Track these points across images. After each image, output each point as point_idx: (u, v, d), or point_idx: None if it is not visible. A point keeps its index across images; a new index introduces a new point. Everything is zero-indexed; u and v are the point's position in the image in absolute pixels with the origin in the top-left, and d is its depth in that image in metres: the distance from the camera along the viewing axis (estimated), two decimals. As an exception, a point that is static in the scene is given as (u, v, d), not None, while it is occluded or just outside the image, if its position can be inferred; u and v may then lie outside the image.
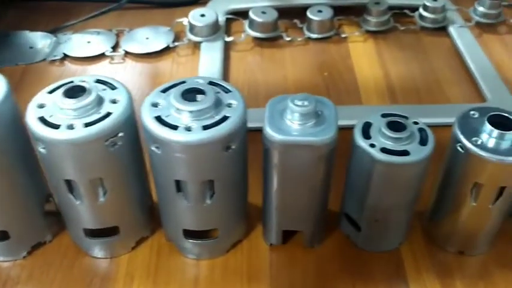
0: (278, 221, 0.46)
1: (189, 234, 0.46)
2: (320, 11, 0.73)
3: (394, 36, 0.75)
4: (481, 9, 0.75)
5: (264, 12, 0.72)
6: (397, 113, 0.44)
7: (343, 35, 0.74)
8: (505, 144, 0.41)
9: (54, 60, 0.71)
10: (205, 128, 0.38)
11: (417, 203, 0.49)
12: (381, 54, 0.71)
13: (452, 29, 0.74)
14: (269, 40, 0.73)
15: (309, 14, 0.73)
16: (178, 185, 0.42)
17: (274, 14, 0.72)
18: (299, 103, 0.40)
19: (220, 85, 0.42)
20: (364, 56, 0.71)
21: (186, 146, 0.38)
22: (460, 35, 0.73)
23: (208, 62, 0.68)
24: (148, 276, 0.46)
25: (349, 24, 0.77)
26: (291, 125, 0.40)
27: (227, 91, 0.42)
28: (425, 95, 0.65)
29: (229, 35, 0.73)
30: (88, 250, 0.48)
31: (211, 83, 0.42)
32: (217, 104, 0.40)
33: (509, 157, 0.40)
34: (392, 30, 0.75)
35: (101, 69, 0.70)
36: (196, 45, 0.72)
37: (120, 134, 0.40)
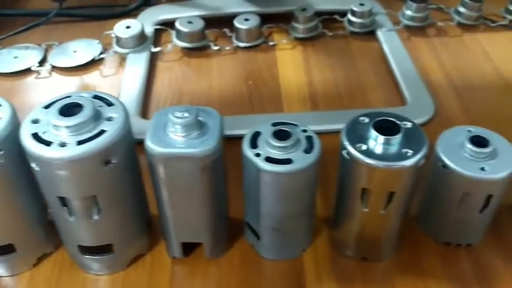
0: (175, 234, 0.46)
1: (85, 249, 0.45)
2: (247, 20, 0.73)
3: (323, 42, 0.75)
4: (408, 12, 0.76)
5: (190, 22, 0.72)
6: (288, 121, 0.44)
7: (271, 43, 0.74)
8: (392, 149, 0.41)
9: (-21, 77, 0.70)
10: (80, 143, 0.38)
11: (326, 208, 0.50)
12: (307, 61, 0.71)
13: (380, 33, 0.74)
14: (197, 50, 0.73)
15: (236, 22, 0.73)
16: (64, 201, 0.41)
17: (201, 24, 0.72)
18: (179, 115, 0.40)
19: (105, 98, 0.42)
20: (290, 63, 0.71)
21: (61, 163, 0.38)
22: (387, 39, 0.73)
23: (133, 73, 0.68)
24: (48, 293, 0.46)
25: (279, 32, 0.77)
26: (174, 137, 0.40)
27: (110, 104, 0.42)
28: (347, 100, 0.65)
29: (158, 46, 0.73)
30: (-12, 269, 0.47)
31: (96, 97, 0.42)
32: (96, 118, 0.40)
33: (393, 163, 0.40)
34: (321, 36, 0.76)
35: (26, 85, 0.69)
36: (124, 57, 0.72)
37: (1, 152, 0.40)
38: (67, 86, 0.69)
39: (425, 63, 0.70)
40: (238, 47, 0.73)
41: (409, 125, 0.43)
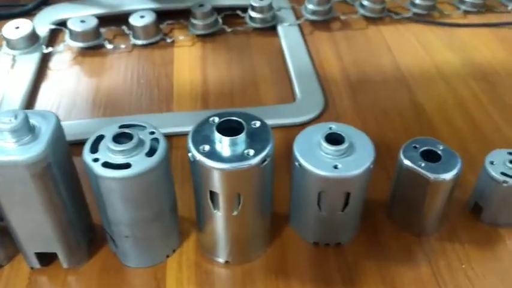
0: (24, 244, 0.43)
1: None
2: (143, 17, 0.71)
3: (224, 38, 0.73)
4: (310, 6, 0.74)
5: (83, 21, 0.69)
6: (136, 123, 0.42)
7: (169, 40, 0.72)
8: (237, 150, 0.39)
9: None
10: None
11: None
12: (205, 58, 0.70)
13: (280, 28, 0.73)
14: (92, 49, 0.71)
15: (131, 20, 0.71)
16: None
17: (94, 22, 0.70)
18: (5, 120, 0.38)
19: None
20: (187, 60, 0.69)
21: None
22: (287, 34, 0.72)
23: (20, 75, 0.65)
24: None
25: (180, 29, 0.75)
26: (4, 144, 0.38)
27: None
28: (239, 98, 0.63)
29: (53, 46, 0.71)
30: None
31: None
32: None
33: (232, 164, 0.38)
34: (223, 33, 0.74)
35: None
36: (15, 59, 0.69)
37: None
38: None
39: (324, 58, 0.69)
40: (135, 45, 0.71)
41: (258, 124, 0.42)
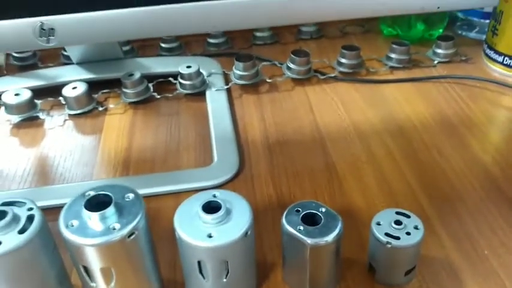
0: None
1: None
2: (75, 88, 0.74)
3: (156, 105, 0.76)
4: (237, 71, 0.77)
5: (17, 94, 0.73)
6: (17, 199, 0.44)
7: (101, 109, 0.75)
8: (107, 224, 0.41)
9: None
10: None
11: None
12: (134, 125, 0.72)
13: (208, 93, 0.76)
14: (29, 120, 0.74)
15: (63, 91, 0.74)
16: None
17: (28, 95, 0.73)
18: None
19: None
20: (116, 128, 0.72)
21: None
22: (214, 99, 0.74)
23: (-47, 150, 0.68)
24: None
25: (115, 97, 0.78)
26: None
27: None
28: (160, 163, 0.65)
29: (-9, 119, 0.74)
30: None
31: None
32: None
33: (97, 238, 0.40)
34: (155, 99, 0.77)
35: None
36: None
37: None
38: None
39: (248, 121, 0.71)
40: (69, 115, 0.74)
41: (131, 197, 0.43)
